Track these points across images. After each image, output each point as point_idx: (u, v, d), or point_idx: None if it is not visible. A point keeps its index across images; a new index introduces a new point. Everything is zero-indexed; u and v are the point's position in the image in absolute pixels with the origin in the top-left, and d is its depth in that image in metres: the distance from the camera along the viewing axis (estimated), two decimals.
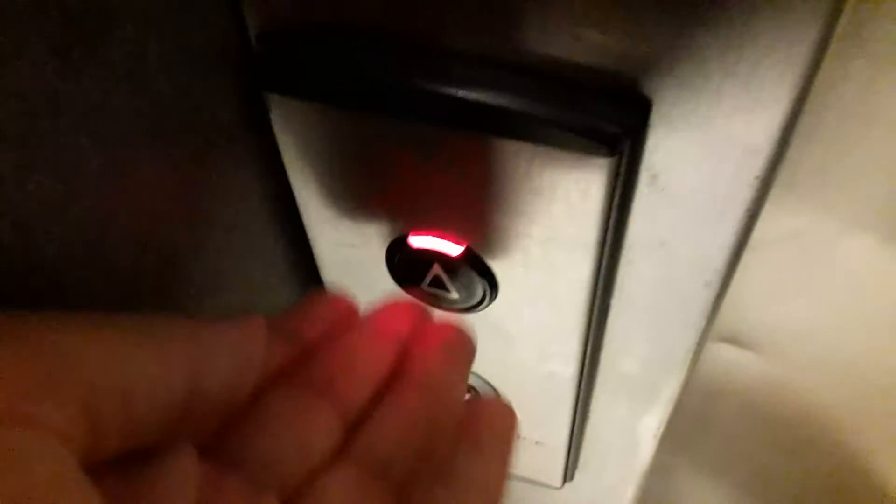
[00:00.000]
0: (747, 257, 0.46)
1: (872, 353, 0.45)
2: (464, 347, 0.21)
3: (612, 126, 0.18)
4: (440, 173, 0.22)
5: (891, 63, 0.29)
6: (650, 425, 0.31)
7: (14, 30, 0.14)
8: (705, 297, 0.23)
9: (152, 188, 0.20)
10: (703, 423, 0.61)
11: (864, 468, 0.50)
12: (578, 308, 0.24)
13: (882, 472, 0.50)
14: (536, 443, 0.34)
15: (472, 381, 0.31)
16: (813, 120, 0.33)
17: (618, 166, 0.19)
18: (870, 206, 0.36)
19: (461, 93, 0.19)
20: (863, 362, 0.46)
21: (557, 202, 0.21)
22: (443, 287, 0.26)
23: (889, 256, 0.38)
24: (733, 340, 0.51)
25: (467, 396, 0.32)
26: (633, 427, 0.31)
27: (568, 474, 0.36)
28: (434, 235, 0.24)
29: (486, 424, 0.19)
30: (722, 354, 0.52)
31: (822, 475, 0.55)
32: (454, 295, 0.26)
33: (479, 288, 0.25)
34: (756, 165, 0.19)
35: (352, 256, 0.27)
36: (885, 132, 0.32)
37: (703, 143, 0.19)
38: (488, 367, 0.30)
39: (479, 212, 0.22)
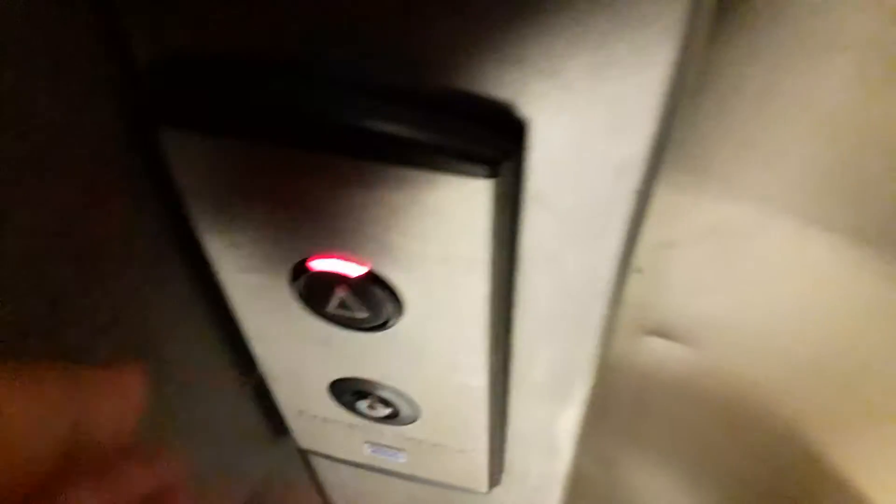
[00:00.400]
0: (669, 254, 0.47)
1: (793, 334, 0.47)
2: None
3: (489, 149, 0.19)
4: (336, 199, 0.22)
5: (790, 49, 0.30)
6: (567, 427, 0.32)
7: None
8: (599, 306, 0.24)
9: (37, 231, 0.19)
10: (641, 415, 0.63)
11: (796, 436, 0.53)
12: (480, 322, 0.25)
13: (812, 436, 0.52)
14: (460, 451, 0.35)
15: (390, 395, 0.32)
16: (714, 124, 0.35)
17: (498, 187, 0.19)
18: (780, 198, 0.38)
19: (349, 122, 0.20)
20: (785, 343, 0.48)
21: (448, 223, 0.21)
22: (349, 308, 0.26)
23: (799, 245, 0.40)
24: (662, 333, 0.52)
25: (388, 411, 0.33)
26: (551, 430, 0.32)
27: (493, 479, 0.37)
28: (335, 258, 0.24)
29: None
30: (653, 347, 0.54)
31: (759, 447, 0.57)
32: (361, 315, 0.26)
33: (385, 307, 0.25)
34: (632, 180, 0.20)
35: (257, 282, 0.27)
36: (783, 130, 0.34)
37: (580, 161, 0.19)
38: (405, 381, 0.30)
39: (377, 234, 0.23)
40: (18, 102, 0.17)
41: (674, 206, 0.40)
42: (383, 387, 0.31)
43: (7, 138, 0.17)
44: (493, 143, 0.19)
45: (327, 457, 0.39)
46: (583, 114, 0.18)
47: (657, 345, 0.53)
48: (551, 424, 0.32)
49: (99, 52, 0.20)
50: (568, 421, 0.31)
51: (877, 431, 0.48)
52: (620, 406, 0.62)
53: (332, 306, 0.26)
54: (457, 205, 0.20)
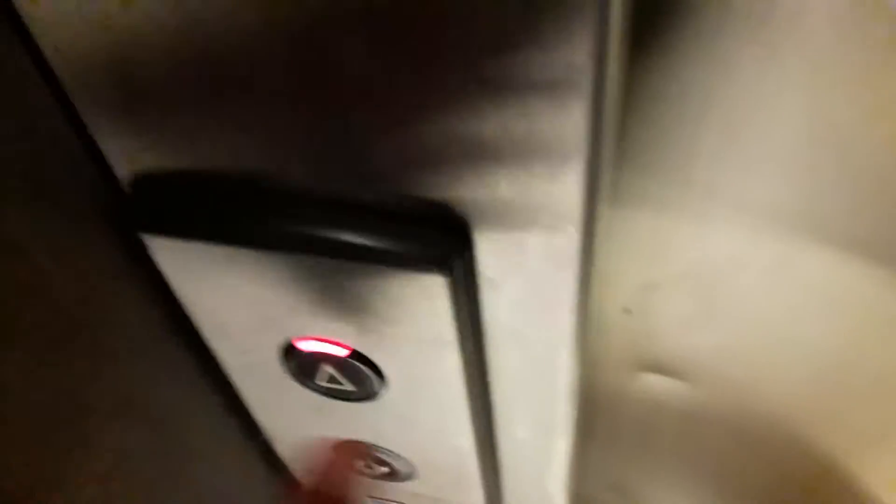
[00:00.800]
0: (654, 295, 0.49)
1: (790, 353, 0.47)
2: None
3: (440, 248, 0.21)
4: (312, 291, 0.24)
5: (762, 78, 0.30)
6: (555, 479, 0.33)
7: None
8: (563, 371, 0.25)
9: (47, 341, 0.22)
10: (651, 440, 0.64)
11: (803, 451, 0.53)
12: (458, 390, 0.27)
13: (819, 451, 0.52)
14: None
15: (387, 457, 0.33)
16: (687, 162, 0.36)
17: (453, 280, 0.21)
18: (753, 235, 0.39)
19: (313, 230, 0.22)
20: (779, 372, 0.49)
21: (414, 310, 0.23)
22: (338, 382, 0.28)
23: (777, 274, 0.41)
24: (657, 370, 0.54)
25: (385, 470, 0.35)
26: (541, 482, 0.34)
27: None
28: (320, 340, 0.26)
29: None
30: (651, 383, 0.55)
31: (769, 463, 0.57)
32: (349, 388, 0.28)
33: (370, 381, 0.27)
34: (570, 264, 0.22)
35: (251, 362, 0.29)
36: (759, 161, 0.34)
37: (521, 251, 0.21)
38: (398, 443, 0.32)
39: (354, 320, 0.25)
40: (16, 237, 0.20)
41: (653, 250, 0.41)
42: (378, 448, 0.33)
43: (14, 267, 0.20)
44: (443, 243, 0.21)
45: None
46: (514, 215, 0.20)
47: (654, 381, 0.54)
48: (541, 477, 0.33)
49: (83, 175, 0.22)
50: (557, 474, 0.33)
51: (885, 445, 0.48)
52: (630, 433, 0.62)
53: (320, 380, 0.28)
54: (418, 296, 0.22)
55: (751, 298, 0.44)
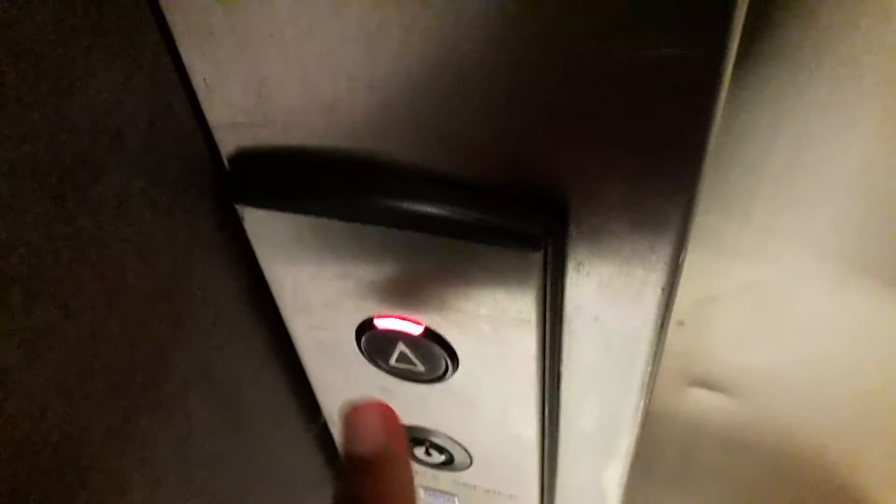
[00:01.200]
0: (712, 308, 0.49)
1: (837, 383, 0.47)
2: None
3: (536, 228, 0.21)
4: (398, 266, 0.25)
5: (819, 112, 0.31)
6: (613, 476, 0.33)
7: (18, 188, 0.17)
8: (641, 361, 0.26)
9: (141, 299, 0.22)
10: (688, 463, 0.63)
11: (840, 485, 0.52)
12: (530, 376, 0.27)
13: (857, 486, 0.51)
14: (510, 496, 0.36)
15: (444, 442, 0.34)
16: (755, 175, 0.36)
17: (544, 259, 0.22)
18: (818, 255, 0.39)
19: (412, 205, 0.22)
20: (829, 393, 0.48)
21: (499, 288, 0.23)
22: (409, 362, 0.28)
23: (837, 301, 0.41)
24: (706, 384, 0.53)
25: (442, 458, 0.35)
26: (598, 478, 0.34)
27: None
28: (397, 318, 0.27)
29: None
30: (697, 398, 0.55)
31: (805, 496, 0.57)
32: (420, 368, 0.28)
33: (441, 361, 0.28)
34: (663, 254, 0.22)
35: (325, 339, 0.29)
36: (825, 180, 0.35)
37: (618, 239, 0.22)
38: (459, 430, 0.33)
39: (435, 297, 0.25)
40: (125, 195, 0.21)
41: (713, 262, 0.41)
42: (438, 434, 0.33)
43: (114, 225, 0.20)
44: (539, 220, 0.21)
45: None
46: (616, 207, 0.21)
47: (701, 395, 0.53)
48: (599, 473, 0.33)
49: (192, 150, 0.23)
50: (615, 470, 0.33)
51: None
52: (667, 455, 0.62)
53: (392, 360, 0.28)
54: (509, 273, 0.22)
55: (807, 322, 0.43)
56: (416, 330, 0.27)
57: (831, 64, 0.29)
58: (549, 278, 0.23)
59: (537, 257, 0.22)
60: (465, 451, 0.34)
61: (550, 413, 0.30)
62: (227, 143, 0.24)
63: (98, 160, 0.19)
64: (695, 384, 0.53)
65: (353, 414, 0.24)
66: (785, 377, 0.49)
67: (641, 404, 0.28)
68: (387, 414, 0.24)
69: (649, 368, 0.26)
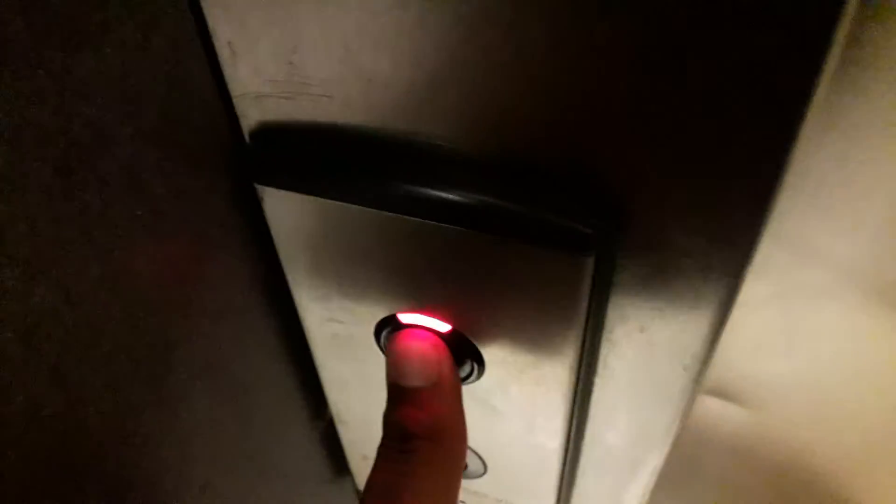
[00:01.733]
0: (734, 314, 0.47)
1: (854, 403, 0.46)
2: None
3: (589, 228, 0.19)
4: (428, 261, 0.22)
5: (863, 133, 0.30)
6: (635, 494, 0.31)
7: (22, 159, 0.15)
8: (684, 379, 0.24)
9: (148, 284, 0.20)
10: (694, 470, 0.62)
11: None
12: (562, 386, 0.25)
13: None
14: None
15: None
16: (790, 188, 0.34)
17: (595, 264, 0.20)
18: (847, 269, 0.37)
19: (446, 194, 0.20)
20: (845, 412, 0.47)
21: (541, 291, 0.21)
22: None
23: (865, 316, 0.39)
24: (719, 393, 0.52)
25: None
26: (618, 496, 0.32)
27: None
28: (422, 314, 0.25)
29: None
30: (708, 406, 0.53)
31: None
32: None
33: (466, 365, 0.26)
34: (726, 270, 0.20)
35: (340, 332, 0.27)
36: (858, 200, 0.33)
37: (674, 249, 0.20)
38: (476, 436, 0.31)
39: (466, 296, 0.23)
40: (136, 169, 0.19)
41: None
42: None
43: (123, 202, 0.18)
44: (591, 222, 0.19)
45: None
46: (681, 215, 0.19)
47: (713, 404, 0.52)
48: (621, 490, 0.32)
49: (211, 123, 0.21)
50: (637, 488, 0.31)
51: None
52: (672, 464, 0.61)
53: None
54: (552, 276, 0.20)
55: (827, 339, 0.42)
56: (443, 329, 0.25)
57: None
58: (597, 285, 0.21)
59: (588, 262, 0.20)
60: (480, 458, 0.32)
61: (578, 425, 0.28)
62: (250, 117, 0.21)
63: (109, 129, 0.17)
64: (707, 392, 0.52)
65: (404, 343, 0.24)
66: (799, 391, 0.47)
67: (676, 424, 0.26)
68: (439, 346, 0.24)
69: (692, 388, 0.24)
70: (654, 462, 0.29)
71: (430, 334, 0.24)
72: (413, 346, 0.24)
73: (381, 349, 0.27)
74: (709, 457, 0.59)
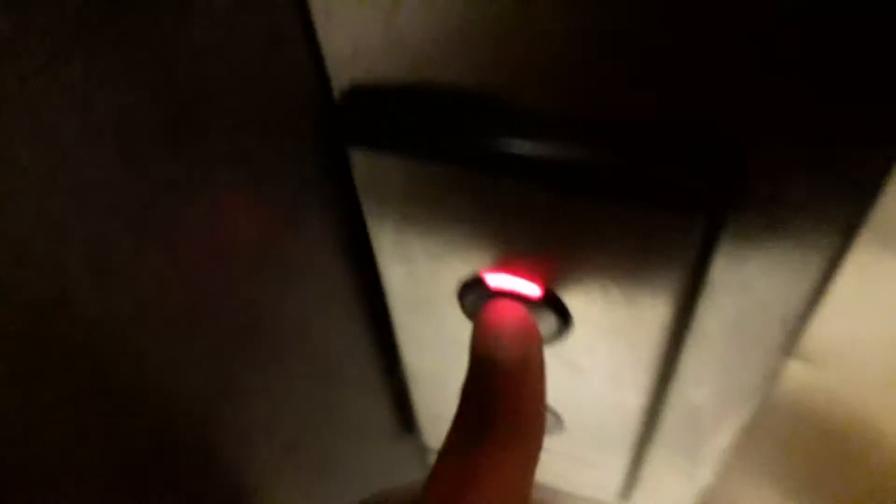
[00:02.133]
0: None
1: None
2: None
3: (698, 184, 0.18)
4: (518, 221, 0.22)
5: None
6: (712, 455, 0.31)
7: (140, 127, 0.14)
8: (781, 338, 0.23)
9: (246, 251, 0.20)
10: (752, 432, 0.61)
11: None
12: (654, 345, 0.24)
13: None
14: (596, 465, 0.34)
15: None
16: None
17: (706, 224, 0.19)
18: None
19: (545, 151, 0.20)
20: None
21: (642, 251, 0.21)
22: None
23: None
24: None
25: None
26: (695, 455, 0.32)
27: (625, 495, 0.36)
28: (509, 274, 0.24)
29: None
30: None
31: (870, 479, 0.55)
32: None
33: (553, 324, 0.25)
34: (841, 231, 0.19)
35: (424, 293, 0.27)
36: None
37: (792, 208, 0.19)
38: (555, 393, 0.30)
39: (560, 256, 0.23)
40: (236, 138, 0.18)
41: None
42: None
43: (225, 168, 0.18)
44: (702, 178, 0.19)
45: None
46: (803, 170, 0.18)
47: None
48: (696, 449, 0.31)
49: (304, 84, 0.21)
50: (718, 444, 0.31)
51: None
52: None
53: None
54: (659, 237, 0.20)
55: None
56: (535, 292, 0.24)
57: None
58: (704, 244, 0.20)
59: (698, 221, 0.19)
60: (556, 415, 0.32)
61: (662, 383, 0.27)
62: (342, 76, 0.21)
63: (215, 90, 0.16)
64: None
65: (496, 317, 0.23)
66: (869, 353, 0.46)
67: (767, 384, 0.26)
68: (530, 323, 0.23)
69: (788, 347, 0.24)
70: (737, 422, 0.29)
71: (522, 309, 0.23)
72: (506, 323, 0.23)
73: (466, 314, 0.26)
74: (771, 414, 0.58)
